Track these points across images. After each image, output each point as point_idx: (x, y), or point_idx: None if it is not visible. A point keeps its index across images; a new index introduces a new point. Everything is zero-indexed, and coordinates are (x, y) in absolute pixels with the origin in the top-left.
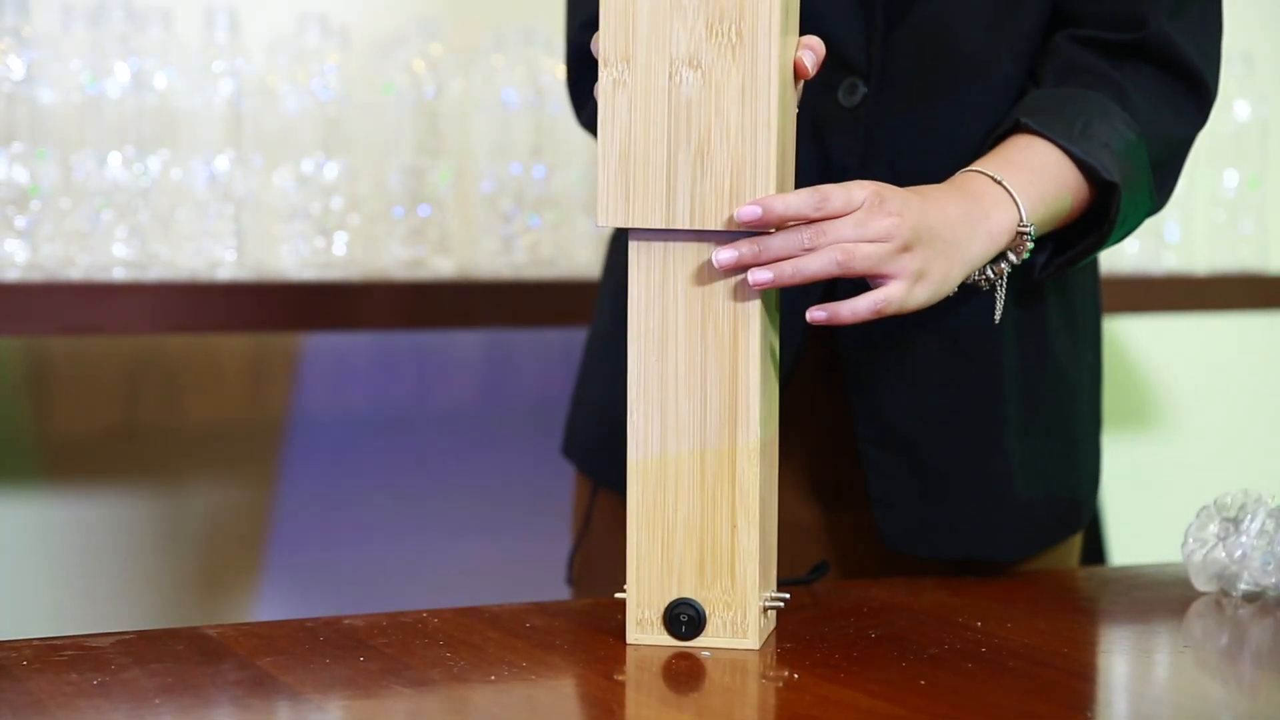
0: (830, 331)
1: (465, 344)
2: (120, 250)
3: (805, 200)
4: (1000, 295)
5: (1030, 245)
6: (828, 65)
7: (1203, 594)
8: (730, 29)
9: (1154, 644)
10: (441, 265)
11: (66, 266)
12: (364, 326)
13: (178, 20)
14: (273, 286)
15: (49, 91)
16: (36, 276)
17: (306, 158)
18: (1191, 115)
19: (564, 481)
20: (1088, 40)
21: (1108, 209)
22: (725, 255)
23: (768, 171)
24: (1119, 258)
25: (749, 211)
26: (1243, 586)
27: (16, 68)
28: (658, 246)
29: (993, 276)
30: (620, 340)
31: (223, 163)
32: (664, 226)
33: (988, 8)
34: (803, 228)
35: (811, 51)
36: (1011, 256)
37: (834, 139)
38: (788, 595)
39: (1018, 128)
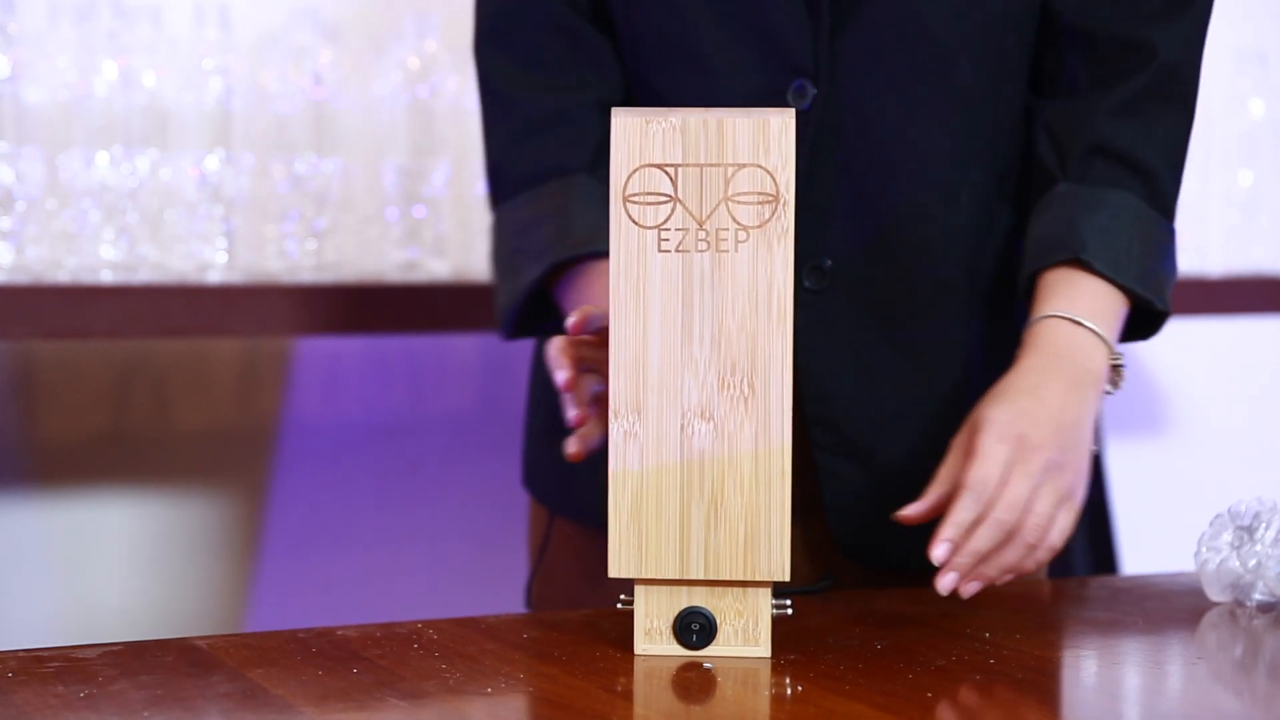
0: None
1: (461, 348)
2: (108, 252)
3: (971, 506)
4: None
5: (1125, 373)
6: (774, 66)
7: (1216, 604)
8: (742, 381)
9: (1166, 655)
10: (437, 268)
11: (53, 269)
12: (357, 330)
13: (167, 17)
14: (264, 289)
15: (35, 90)
16: (22, 279)
17: (298, 158)
18: (1189, 128)
19: None
20: (1104, 100)
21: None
22: (947, 583)
23: (782, 521)
24: None
25: (943, 551)
26: (1257, 596)
27: (2, 65)
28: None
29: None
30: None
31: (213, 162)
32: (678, 577)
33: (943, 2)
34: (992, 524)
35: None
36: (1109, 389)
37: None
38: (789, 602)
39: (1074, 261)
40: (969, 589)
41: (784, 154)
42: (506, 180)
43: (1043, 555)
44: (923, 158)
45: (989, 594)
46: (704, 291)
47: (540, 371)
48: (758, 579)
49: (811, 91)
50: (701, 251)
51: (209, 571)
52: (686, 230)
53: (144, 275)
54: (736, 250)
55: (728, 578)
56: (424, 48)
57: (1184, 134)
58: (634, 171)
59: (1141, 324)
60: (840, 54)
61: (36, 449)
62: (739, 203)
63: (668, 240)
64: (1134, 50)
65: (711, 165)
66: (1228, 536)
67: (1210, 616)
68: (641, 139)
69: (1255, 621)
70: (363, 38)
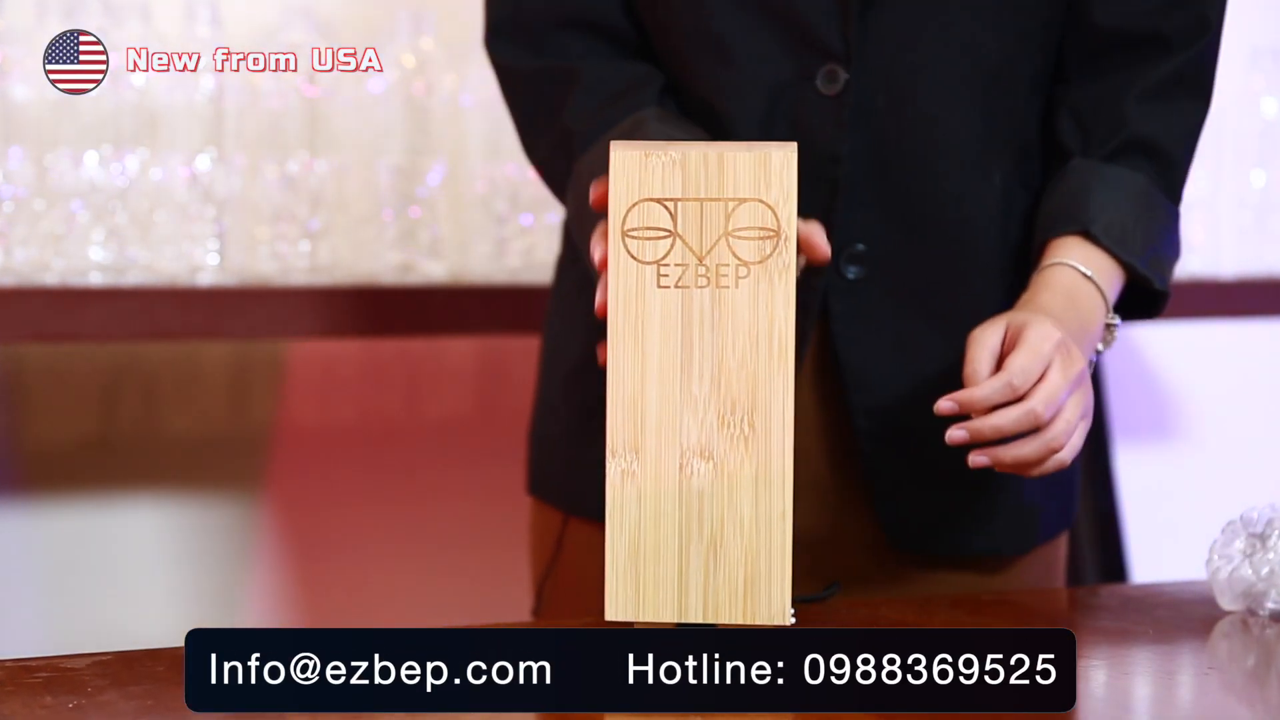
0: (824, 331)
1: (458, 351)
2: (97, 254)
3: (1003, 391)
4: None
5: (1116, 335)
6: (802, 53)
7: (1228, 613)
8: (742, 420)
9: (1177, 665)
10: (433, 269)
11: (41, 271)
12: (352, 333)
13: (157, 13)
14: (256, 291)
15: (23, 88)
16: (9, 281)
17: (291, 157)
18: (1206, 113)
19: None
20: (1131, 86)
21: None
22: (957, 435)
23: (783, 563)
24: None
25: (959, 435)
26: (1270, 605)
27: None
28: None
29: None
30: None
31: (204, 162)
32: (676, 620)
33: None
34: (1024, 410)
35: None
36: (1100, 346)
37: (818, 130)
38: (793, 612)
39: (1082, 234)
40: (977, 459)
41: (785, 188)
42: (582, 140)
43: (1051, 465)
44: (955, 137)
45: (997, 604)
46: (704, 328)
47: (553, 371)
48: (758, 622)
49: (843, 76)
50: (701, 287)
51: (201, 579)
52: (686, 266)
53: (134, 277)
54: (737, 286)
55: (727, 620)
56: (419, 45)
57: (1201, 120)
58: (633, 206)
59: (1144, 303)
60: (869, 36)
61: (24, 454)
62: (740, 238)
63: (667, 276)
64: (1151, 40)
65: (712, 200)
66: (1240, 544)
67: (1222, 626)
68: (641, 173)
69: (1268, 631)
70: (357, 35)
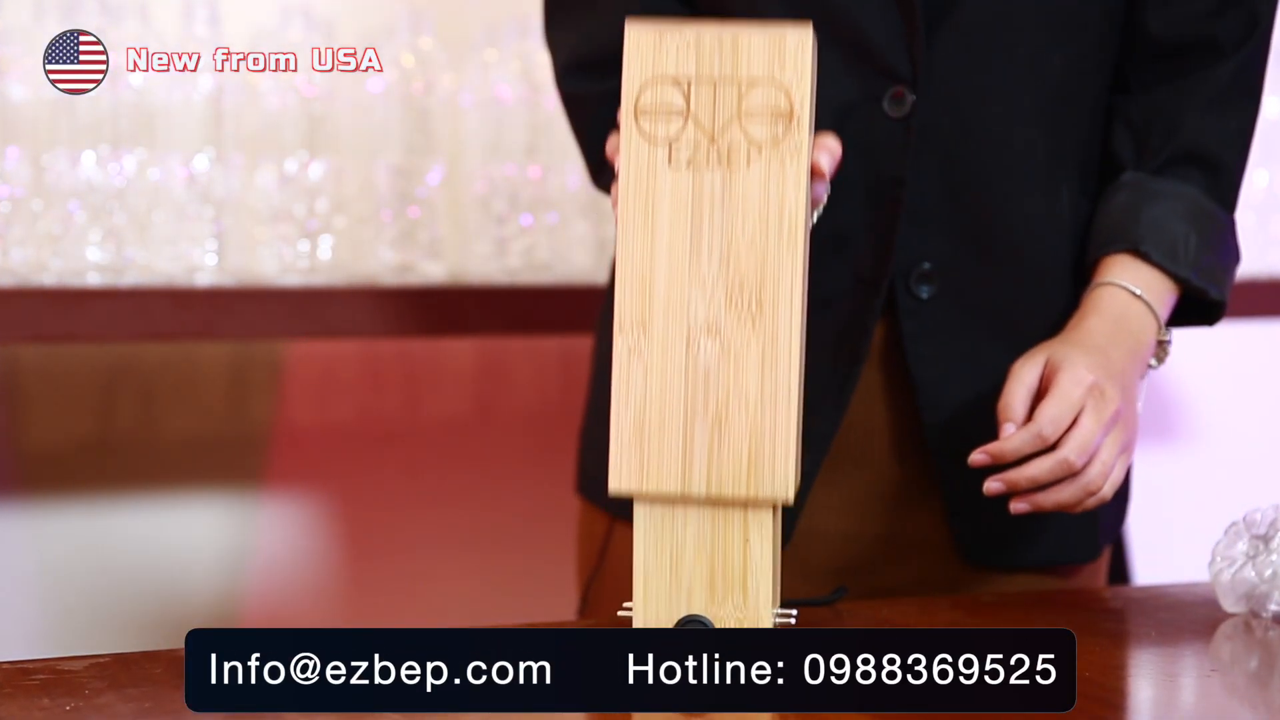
0: (898, 346)
1: (457, 352)
2: (94, 254)
3: (1033, 442)
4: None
5: (1169, 351)
6: (869, 74)
7: (1231, 615)
8: (750, 299)
9: (1180, 667)
10: (432, 270)
11: (38, 271)
12: (351, 334)
13: (155, 13)
14: (254, 292)
15: (20, 88)
16: (7, 282)
17: (290, 157)
18: (1257, 116)
19: (559, 496)
20: (1185, 98)
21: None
22: (995, 487)
23: (788, 442)
24: None
25: (996, 487)
26: (1273, 607)
27: None
28: None
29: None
30: None
31: (202, 162)
32: (679, 492)
33: (1034, 2)
34: (1057, 460)
35: (829, 154)
36: (1153, 362)
37: (883, 152)
38: (794, 613)
39: (1133, 251)
40: (1018, 507)
41: (799, 70)
42: None
43: (1092, 504)
44: (1023, 157)
45: (998, 605)
46: (714, 208)
47: (605, 377)
48: (761, 496)
49: (910, 98)
50: (713, 168)
51: (198, 581)
52: (698, 146)
53: (131, 278)
54: (749, 167)
55: (730, 495)
56: (419, 45)
57: (1252, 122)
58: (646, 84)
59: (1202, 311)
60: (937, 58)
61: (21, 454)
62: (753, 119)
63: (679, 156)
64: (1204, 45)
65: (725, 80)
66: (1243, 546)
67: (1225, 628)
68: (655, 52)
69: (1271, 633)
70: (356, 35)
